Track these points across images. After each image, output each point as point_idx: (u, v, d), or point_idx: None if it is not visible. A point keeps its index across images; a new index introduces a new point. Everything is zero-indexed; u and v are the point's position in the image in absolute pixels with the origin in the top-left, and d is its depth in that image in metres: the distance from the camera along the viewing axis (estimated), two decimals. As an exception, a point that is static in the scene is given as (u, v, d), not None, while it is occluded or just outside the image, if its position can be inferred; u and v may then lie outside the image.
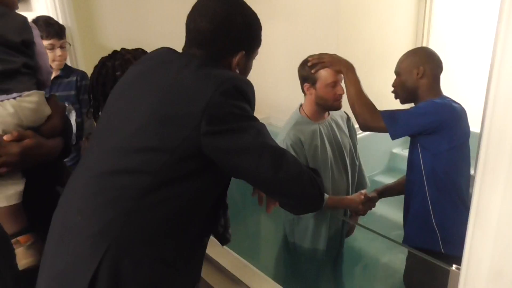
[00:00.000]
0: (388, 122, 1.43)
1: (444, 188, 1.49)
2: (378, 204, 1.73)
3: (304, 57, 1.58)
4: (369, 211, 1.72)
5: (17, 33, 0.98)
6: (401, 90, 1.53)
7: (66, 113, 1.21)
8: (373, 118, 1.45)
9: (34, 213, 1.04)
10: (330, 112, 1.68)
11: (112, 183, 0.82)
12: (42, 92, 1.06)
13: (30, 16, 1.13)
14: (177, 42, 0.98)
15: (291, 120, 1.64)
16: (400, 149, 2.91)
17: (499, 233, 0.55)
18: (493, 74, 0.52)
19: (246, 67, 0.98)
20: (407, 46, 2.77)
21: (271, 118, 2.96)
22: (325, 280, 1.88)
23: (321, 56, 1.53)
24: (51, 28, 1.75)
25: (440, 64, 1.50)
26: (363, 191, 1.67)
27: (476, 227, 0.57)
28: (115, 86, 0.96)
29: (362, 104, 1.47)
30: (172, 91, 0.83)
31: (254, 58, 1.00)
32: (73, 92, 1.82)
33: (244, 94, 0.84)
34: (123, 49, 1.25)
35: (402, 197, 1.67)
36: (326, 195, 1.58)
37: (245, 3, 0.95)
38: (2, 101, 0.95)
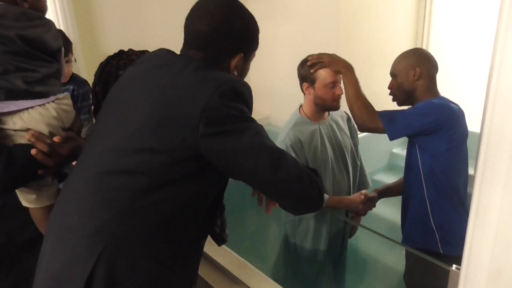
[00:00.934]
0: (386, 123, 1.43)
1: (442, 188, 1.49)
2: (378, 204, 1.73)
3: (304, 57, 1.58)
4: (369, 211, 1.72)
5: (55, 40, 1.03)
6: (398, 92, 1.53)
7: None
8: (371, 119, 1.45)
9: None
10: (330, 112, 1.68)
11: (110, 183, 0.83)
12: (69, 94, 1.11)
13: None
14: (180, 47, 0.98)
15: (290, 121, 1.64)
16: (400, 149, 2.91)
17: (499, 233, 0.55)
18: (493, 74, 0.52)
19: (243, 69, 0.99)
20: (407, 46, 2.76)
21: (271, 118, 2.97)
22: (327, 281, 1.88)
23: (320, 56, 1.53)
24: None
25: (436, 65, 1.50)
26: (363, 191, 1.67)
27: (476, 227, 0.57)
28: (113, 86, 0.97)
29: (360, 105, 1.47)
30: (170, 93, 0.83)
31: (251, 60, 1.01)
32: None
33: (242, 96, 0.85)
34: (130, 49, 1.26)
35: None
36: (326, 196, 1.58)
37: (243, 6, 0.95)
38: (44, 104, 0.99)
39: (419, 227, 1.55)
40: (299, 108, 1.66)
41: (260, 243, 2.34)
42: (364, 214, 1.71)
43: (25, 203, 1.04)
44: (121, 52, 1.25)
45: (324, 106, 1.59)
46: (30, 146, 0.95)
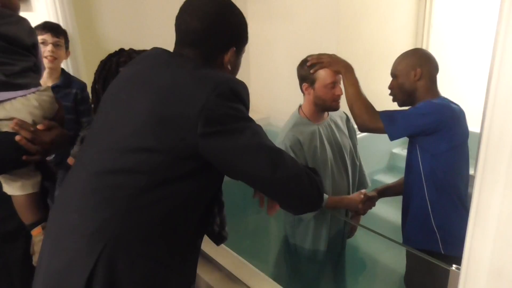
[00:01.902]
0: (386, 123, 1.43)
1: (443, 188, 1.49)
2: (378, 204, 1.73)
3: (304, 57, 1.58)
4: (369, 211, 1.72)
5: (29, 37, 1.08)
6: (399, 93, 1.53)
7: None
8: (371, 119, 1.45)
9: None
10: (330, 112, 1.68)
11: (109, 183, 0.83)
12: (50, 87, 1.15)
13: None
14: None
15: (290, 121, 1.64)
16: (400, 149, 2.91)
17: (498, 233, 0.55)
18: (493, 74, 0.52)
19: (236, 64, 1.01)
20: (407, 46, 2.77)
21: (271, 118, 2.96)
22: (327, 281, 1.88)
23: (320, 56, 1.53)
24: (47, 23, 1.77)
25: (436, 65, 1.50)
26: (362, 191, 1.67)
27: (476, 227, 0.57)
28: (110, 85, 0.97)
29: (360, 105, 1.47)
30: (168, 92, 0.84)
31: (242, 55, 1.02)
32: (69, 104, 1.81)
33: (240, 96, 0.85)
34: (131, 48, 1.27)
35: (402, 197, 1.67)
36: (325, 195, 1.58)
37: (231, 1, 0.97)
38: (25, 95, 1.03)
39: (420, 227, 1.55)
40: (299, 109, 1.66)
41: (260, 243, 2.34)
42: (363, 213, 1.71)
43: (10, 191, 1.07)
44: (121, 50, 1.26)
45: (323, 106, 1.59)
46: (14, 134, 0.99)
